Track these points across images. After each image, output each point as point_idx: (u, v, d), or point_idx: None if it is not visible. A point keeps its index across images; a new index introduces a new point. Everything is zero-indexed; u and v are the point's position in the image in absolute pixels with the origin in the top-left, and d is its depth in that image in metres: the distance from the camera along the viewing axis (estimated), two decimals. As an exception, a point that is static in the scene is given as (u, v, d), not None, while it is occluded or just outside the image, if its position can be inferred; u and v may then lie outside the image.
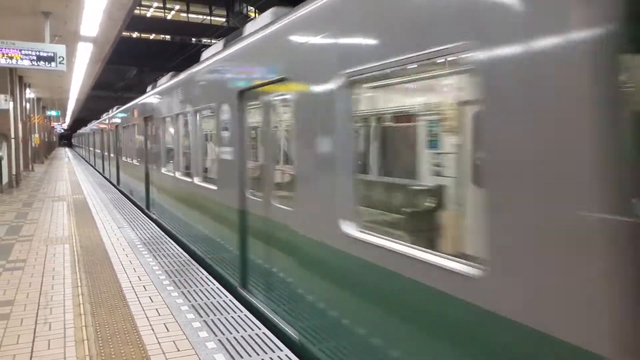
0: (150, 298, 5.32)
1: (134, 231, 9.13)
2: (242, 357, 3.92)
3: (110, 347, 4.07)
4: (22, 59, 10.26)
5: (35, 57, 10.30)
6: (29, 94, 24.83)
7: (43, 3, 10.00)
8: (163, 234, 8.98)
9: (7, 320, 4.69)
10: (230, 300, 5.28)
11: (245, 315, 4.85)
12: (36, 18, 10.81)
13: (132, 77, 48.20)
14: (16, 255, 7.24)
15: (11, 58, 10.21)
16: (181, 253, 7.45)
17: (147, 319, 4.69)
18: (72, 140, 59.38)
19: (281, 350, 4.03)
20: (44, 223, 10.01)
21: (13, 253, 7.39)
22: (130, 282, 5.91)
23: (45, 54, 10.36)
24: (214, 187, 6.57)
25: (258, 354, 3.97)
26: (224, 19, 46.77)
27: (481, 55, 2.28)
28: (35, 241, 8.24)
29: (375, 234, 3.23)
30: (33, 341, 4.20)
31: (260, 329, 4.51)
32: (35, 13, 10.60)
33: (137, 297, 5.34)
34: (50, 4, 10.05)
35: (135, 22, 30.15)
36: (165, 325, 4.55)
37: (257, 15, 48.76)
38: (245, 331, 4.44)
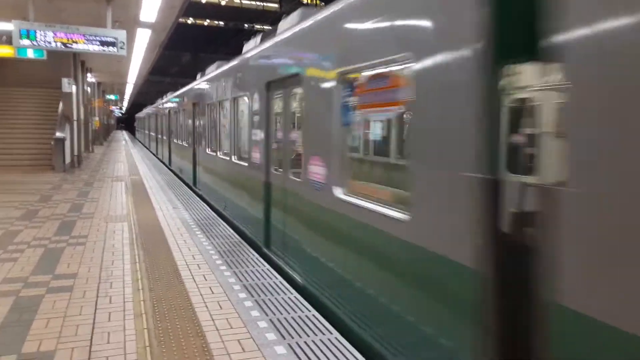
0: (204, 276, 5.47)
1: (188, 212, 9.40)
2: (292, 337, 3.97)
3: (167, 321, 4.21)
4: (85, 43, 10.67)
5: (97, 43, 10.68)
6: (90, 78, 25.88)
7: (106, -11, 10.36)
8: (215, 215, 9.19)
9: (70, 292, 4.93)
10: (280, 282, 5.35)
11: (295, 297, 4.91)
12: (99, 4, 11.20)
13: (186, 62, 49.31)
14: (78, 232, 7.60)
15: (75, 42, 10.64)
16: (232, 234, 7.61)
17: (201, 297, 4.83)
18: (135, 124, 57.80)
19: (331, 334, 4.06)
20: (103, 202, 10.46)
21: (75, 229, 7.76)
22: (185, 260, 6.10)
23: (107, 40, 10.72)
24: (246, 164, 7.86)
25: (308, 335, 4.01)
26: (277, 5, 46.98)
27: None
28: (95, 219, 8.62)
29: (355, 196, 4.28)
30: (95, 313, 4.40)
31: (310, 311, 4.55)
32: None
33: (192, 275, 5.50)
34: (112, -10, 10.39)
35: (191, 8, 30.73)
36: (218, 303, 4.66)
37: (309, 1, 48.72)
38: (296, 312, 4.49)
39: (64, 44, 10.52)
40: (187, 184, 14.04)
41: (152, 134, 30.68)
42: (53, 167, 16.30)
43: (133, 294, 4.88)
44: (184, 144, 15.49)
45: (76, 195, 11.38)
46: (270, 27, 40.82)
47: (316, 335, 4.03)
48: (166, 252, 6.48)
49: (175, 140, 18.35)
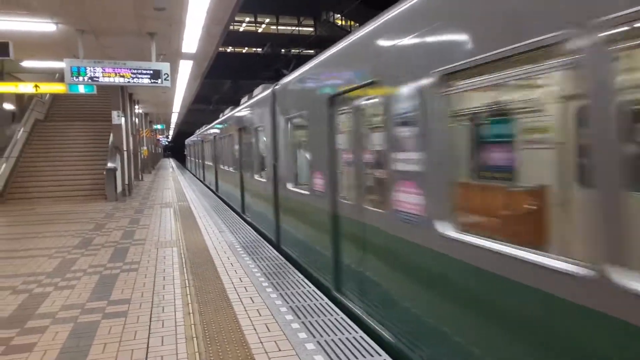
0: (251, 299, 5.55)
1: (234, 235, 9.57)
2: (340, 359, 3.96)
3: (217, 345, 4.29)
4: (132, 77, 11.17)
5: (144, 75, 11.16)
6: (138, 109, 26.90)
7: (149, 24, 10.83)
8: (260, 237, 9.33)
9: (125, 317, 5.10)
10: (326, 304, 5.36)
11: (342, 318, 4.90)
12: (143, 38, 11.72)
13: (227, 89, 50.50)
14: (131, 258, 7.87)
15: (123, 77, 11.14)
16: (278, 256, 7.69)
17: (250, 319, 4.90)
18: (185, 153, 54.25)
19: (380, 355, 4.03)
20: (154, 228, 10.79)
21: (128, 255, 8.04)
22: (232, 283, 6.21)
23: (152, 72, 11.19)
24: (234, 171, 13.78)
25: (357, 358, 3.99)
26: (312, 29, 47.74)
27: None
28: (147, 244, 8.91)
29: (259, 177, 9.14)
30: (148, 337, 4.53)
31: (357, 332, 4.53)
32: (143, 34, 11.50)
33: (239, 298, 5.59)
34: (155, 25, 10.85)
35: (230, 37, 31.56)
36: (266, 326, 4.71)
37: (343, 22, 49.24)
38: (343, 334, 4.48)
39: (112, 79, 11.04)
40: (212, 190, 20.84)
41: (193, 158, 34.72)
42: (106, 196, 16.95)
43: (184, 317, 5.01)
44: (209, 163, 23.05)
45: (128, 222, 11.79)
46: (305, 50, 41.47)
47: (364, 357, 4.01)
48: (214, 275, 6.62)
49: (205, 162, 24.96)
